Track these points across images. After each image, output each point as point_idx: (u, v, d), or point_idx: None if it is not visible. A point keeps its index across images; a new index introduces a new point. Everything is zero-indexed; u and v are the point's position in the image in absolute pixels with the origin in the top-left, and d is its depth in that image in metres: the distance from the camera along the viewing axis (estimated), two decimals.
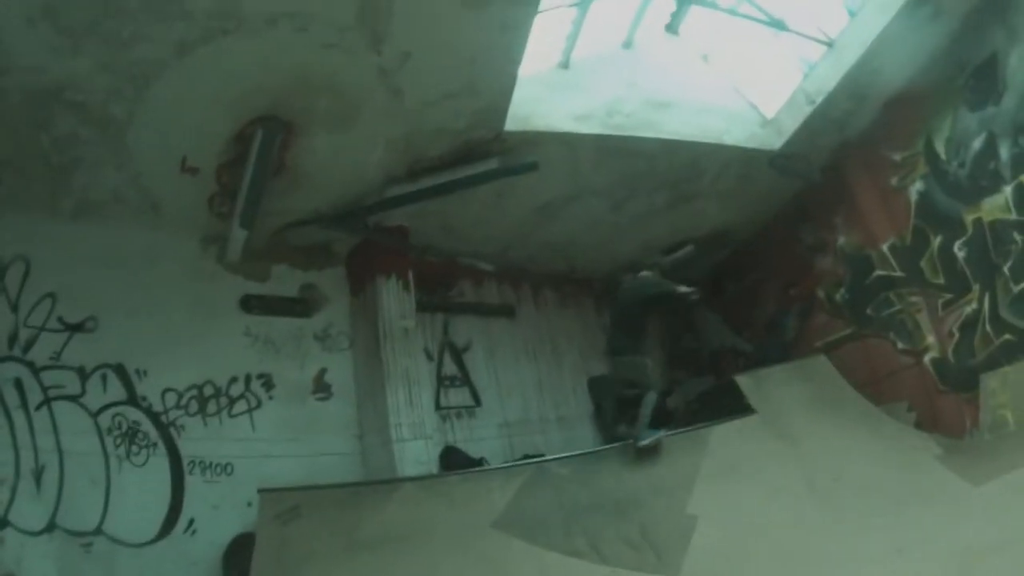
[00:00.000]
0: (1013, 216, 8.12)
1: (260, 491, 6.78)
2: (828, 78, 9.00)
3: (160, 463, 7.27)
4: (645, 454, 7.73)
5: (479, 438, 9.40)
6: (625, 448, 8.04)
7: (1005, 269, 8.22)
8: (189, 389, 7.70)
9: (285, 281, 8.82)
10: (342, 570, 6.20)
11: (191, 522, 7.15)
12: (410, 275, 9.06)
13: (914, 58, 8.64)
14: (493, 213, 9.22)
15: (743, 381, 9.19)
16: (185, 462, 7.38)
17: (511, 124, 8.04)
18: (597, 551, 6.52)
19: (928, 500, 6.84)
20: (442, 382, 9.59)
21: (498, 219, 9.43)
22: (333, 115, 7.15)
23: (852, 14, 8.77)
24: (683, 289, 8.53)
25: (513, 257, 10.41)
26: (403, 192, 8.27)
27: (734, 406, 8.89)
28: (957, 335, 8.79)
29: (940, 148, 8.90)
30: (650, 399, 8.12)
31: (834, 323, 10.40)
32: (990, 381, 8.35)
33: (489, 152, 8.20)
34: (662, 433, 7.91)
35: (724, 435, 8.32)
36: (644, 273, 8.86)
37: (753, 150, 9.54)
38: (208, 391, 7.82)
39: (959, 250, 8.70)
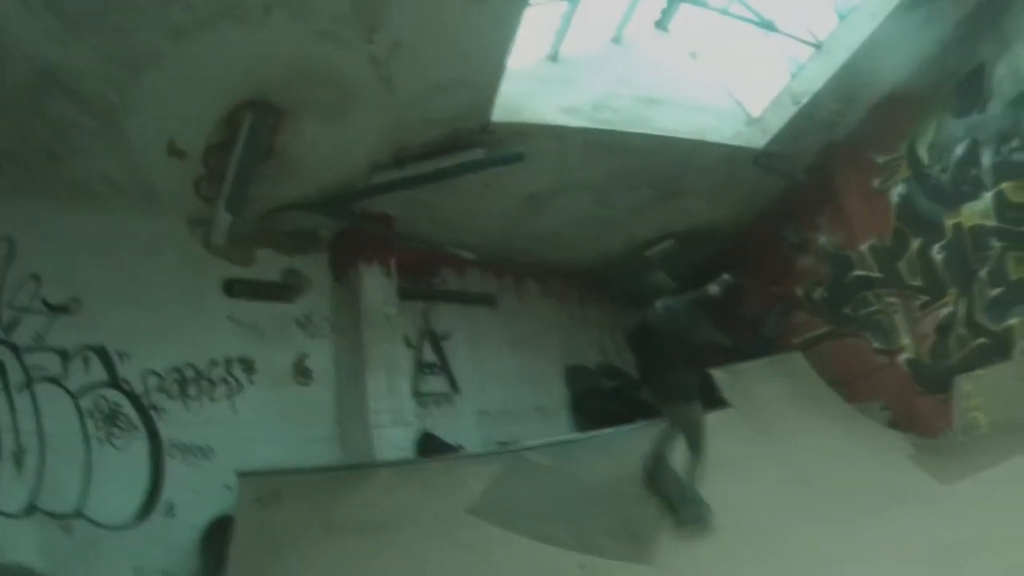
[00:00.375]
0: (992, 222, 8.37)
1: (240, 474, 6.87)
2: (815, 79, 9.15)
3: (140, 446, 7.30)
4: (690, 526, 6.71)
5: (458, 426, 9.49)
6: (602, 437, 8.42)
7: (982, 274, 8.48)
8: (171, 372, 7.72)
9: (269, 266, 8.85)
10: (321, 554, 6.27)
11: (171, 505, 7.19)
12: (393, 262, 9.15)
13: (902, 63, 8.80)
14: (480, 203, 9.31)
15: (720, 376, 9.40)
16: (165, 445, 7.41)
17: (499, 115, 8.13)
18: (574, 539, 6.62)
19: (902, 499, 7.01)
20: (422, 369, 9.70)
21: (484, 209, 9.52)
22: (324, 102, 7.19)
23: (842, 17, 8.89)
24: (714, 288, 7.40)
25: (498, 247, 10.50)
26: (390, 179, 8.33)
27: (713, 400, 9.00)
28: (933, 337, 9.05)
29: (923, 153, 9.12)
30: (697, 465, 7.05)
31: (812, 321, 10.64)
32: (964, 383, 8.61)
33: (476, 142, 8.28)
34: (708, 509, 6.81)
35: None
36: (664, 301, 7.46)
37: (738, 148, 9.69)
38: (189, 374, 7.85)
39: (938, 253, 8.95)
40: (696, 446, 7.05)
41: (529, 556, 6.39)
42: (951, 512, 6.30)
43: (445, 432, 9.08)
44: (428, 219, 9.42)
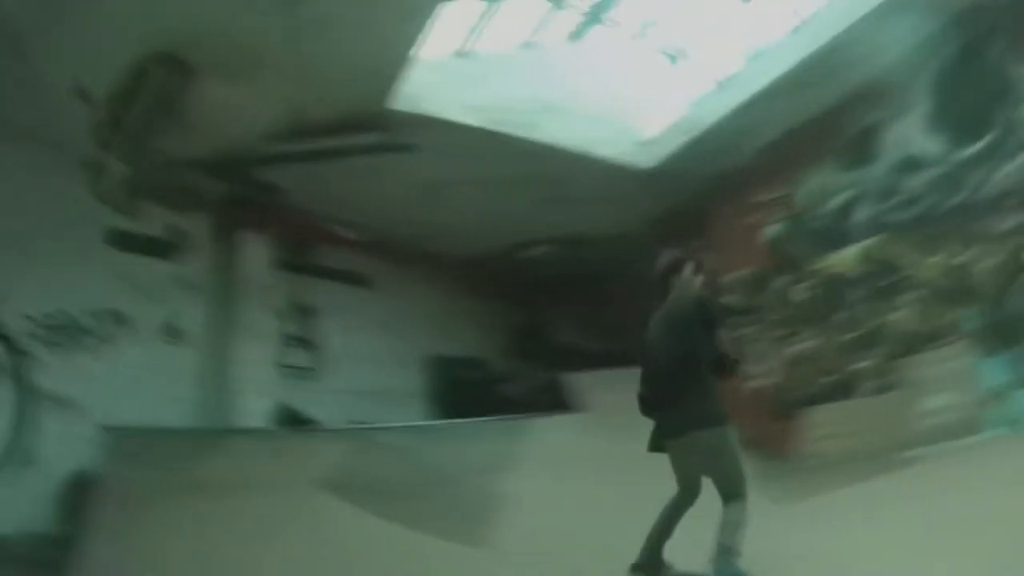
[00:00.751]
0: (855, 272, 9.25)
1: (104, 429, 7.18)
2: (713, 113, 9.80)
3: (6, 391, 7.39)
4: None
5: (320, 400, 9.77)
6: (456, 426, 9.00)
7: (839, 318, 9.38)
8: (44, 318, 7.84)
9: (154, 221, 9.00)
10: (178, 514, 6.63)
11: (31, 456, 7.29)
12: (276, 232, 9.67)
13: (799, 111, 9.52)
14: (371, 185, 9.73)
15: (577, 379, 10.17)
16: (32, 393, 7.50)
17: (402, 103, 8.57)
18: (415, 519, 7.03)
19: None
20: (290, 342, 10.03)
21: (375, 192, 9.92)
22: (235, 66, 7.55)
23: (751, 59, 9.54)
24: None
25: (383, 230, 10.92)
26: (286, 151, 8.75)
27: (568, 401, 9.77)
28: (788, 369, 9.95)
29: (804, 197, 9.94)
30: (738, 513, 4.88)
31: None
32: (813, 414, 9.50)
33: (374, 126, 8.70)
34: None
35: (550, 427, 9.21)
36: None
37: (625, 166, 10.29)
38: (62, 321, 7.98)
39: (801, 293, 9.82)
40: (734, 490, 4.97)
41: (373, 534, 6.84)
42: (791, 531, 6.76)
43: (307, 406, 9.46)
44: (319, 194, 9.83)
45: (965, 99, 8.66)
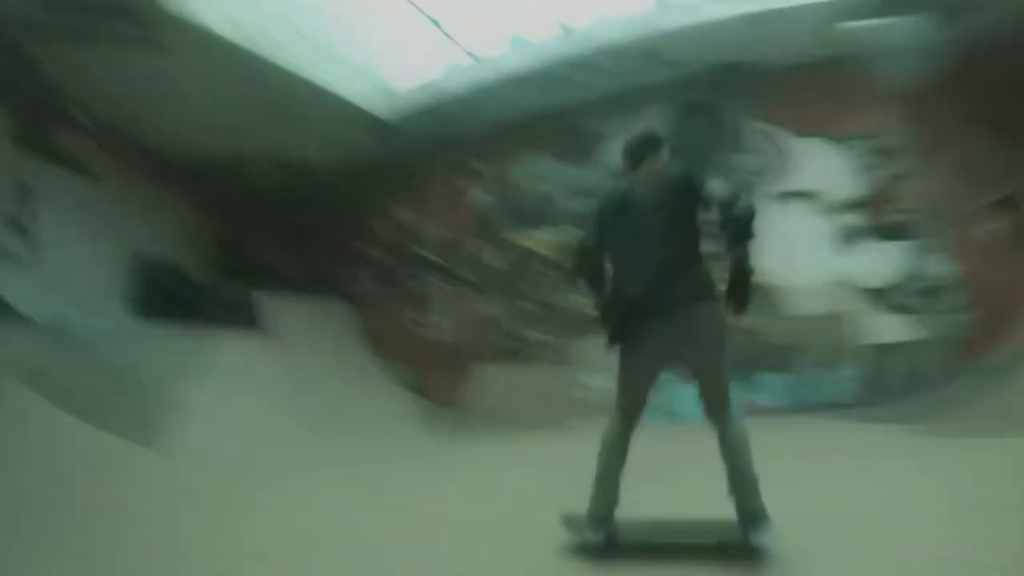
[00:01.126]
0: (548, 254, 10.80)
1: None
2: (462, 84, 10.68)
3: None
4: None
5: (27, 290, 9.03)
6: (151, 332, 9.28)
7: (524, 290, 10.96)
8: None
9: None
10: None
11: None
12: (14, 103, 9.16)
13: (541, 102, 10.70)
14: (122, 75, 9.56)
15: (271, 301, 10.91)
16: None
17: (169, 2, 8.50)
18: (99, 418, 7.26)
19: (406, 453, 8.76)
20: (6, 222, 9.32)
21: (125, 84, 9.75)
22: None
23: (512, 45, 10.41)
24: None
25: (122, 125, 10.65)
26: (49, 21, 8.53)
27: (259, 321, 10.50)
28: (467, 326, 11.44)
29: (516, 177, 11.38)
30: (738, 426, 4.18)
31: (375, 280, 12.59)
32: (483, 371, 11.05)
33: (138, 19, 8.63)
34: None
35: (237, 343, 9.81)
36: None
37: (366, 112, 10.85)
38: None
39: (494, 261, 11.34)
40: (723, 392, 4.27)
41: (54, 423, 6.93)
42: (442, 469, 7.82)
43: (13, 292, 8.81)
44: (66, 75, 9.53)
45: (696, 138, 10.30)
